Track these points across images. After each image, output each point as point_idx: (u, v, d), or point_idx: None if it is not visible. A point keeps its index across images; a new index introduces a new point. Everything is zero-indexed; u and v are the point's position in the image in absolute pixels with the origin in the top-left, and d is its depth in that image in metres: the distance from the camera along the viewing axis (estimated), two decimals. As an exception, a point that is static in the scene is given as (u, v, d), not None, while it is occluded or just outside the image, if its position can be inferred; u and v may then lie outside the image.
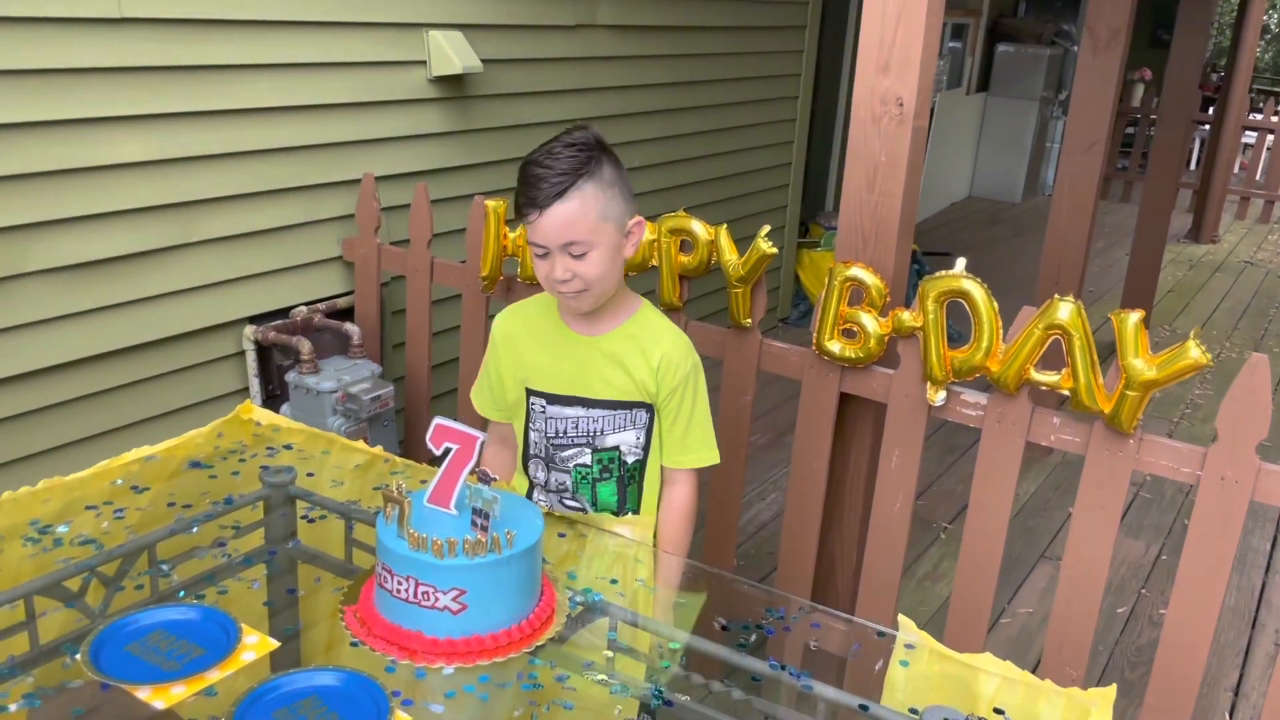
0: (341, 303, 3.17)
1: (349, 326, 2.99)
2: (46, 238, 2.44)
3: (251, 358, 2.93)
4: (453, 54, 3.20)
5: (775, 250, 2.36)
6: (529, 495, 1.91)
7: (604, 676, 1.45)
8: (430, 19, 3.24)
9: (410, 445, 3.21)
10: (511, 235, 2.72)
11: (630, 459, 1.87)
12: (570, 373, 1.83)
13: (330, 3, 2.94)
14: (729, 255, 2.42)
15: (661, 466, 1.89)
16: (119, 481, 1.83)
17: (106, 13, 2.43)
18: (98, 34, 2.44)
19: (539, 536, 1.50)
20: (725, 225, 2.45)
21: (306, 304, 3.09)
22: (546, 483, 1.89)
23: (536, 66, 3.66)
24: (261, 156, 2.87)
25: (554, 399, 1.84)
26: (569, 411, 1.84)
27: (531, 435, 1.88)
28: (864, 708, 1.40)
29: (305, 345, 2.83)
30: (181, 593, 1.55)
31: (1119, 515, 2.13)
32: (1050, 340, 2.10)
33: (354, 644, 1.44)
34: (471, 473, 1.48)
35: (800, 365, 2.46)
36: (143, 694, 1.31)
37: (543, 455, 1.88)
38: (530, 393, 1.86)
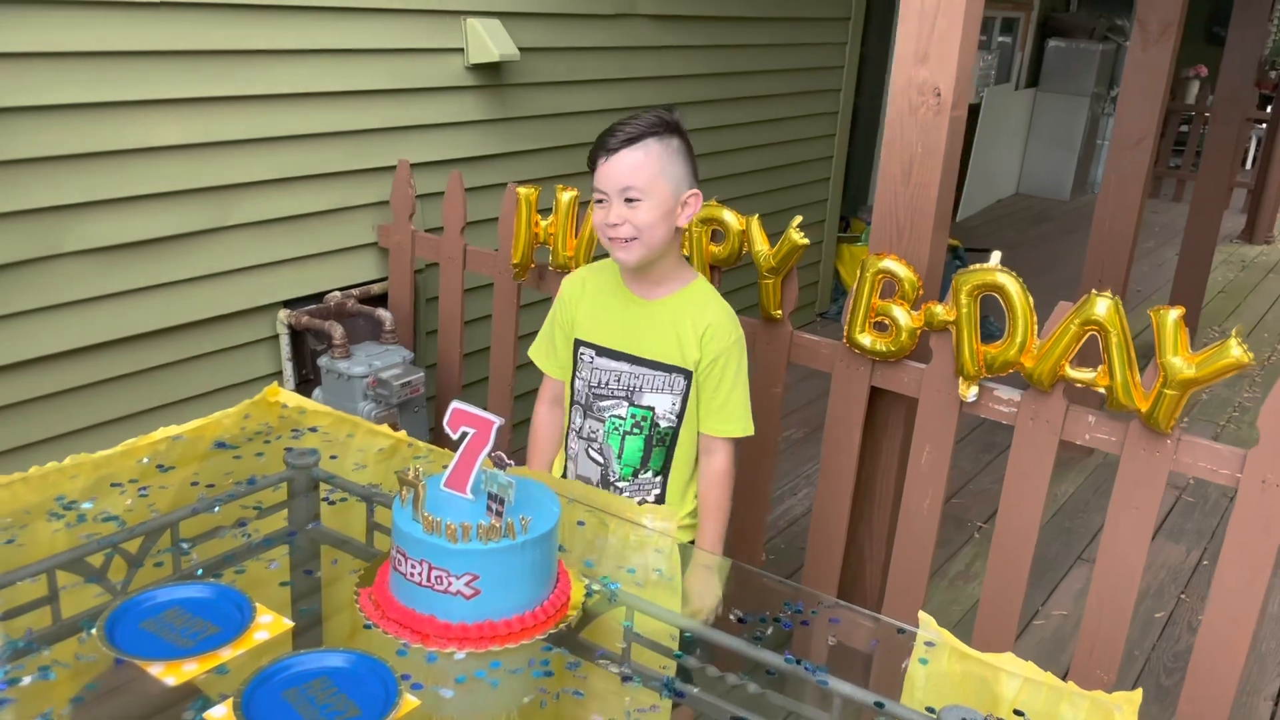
0: (376, 288, 3.18)
1: (381, 312, 3.00)
2: (83, 219, 2.47)
3: (285, 342, 2.95)
4: (490, 41, 3.19)
5: (806, 241, 2.33)
6: (566, 439, 2.04)
7: (617, 666, 1.43)
8: (470, 6, 3.23)
9: (441, 432, 3.21)
10: (543, 223, 2.71)
11: (663, 424, 1.97)
12: (621, 329, 1.97)
13: (368, -11, 2.95)
14: (760, 245, 2.40)
15: (700, 436, 1.98)
16: (145, 460, 1.85)
17: (145, -4, 2.45)
18: (136, 17, 2.46)
19: (554, 523, 1.48)
20: (758, 216, 2.42)
21: (341, 289, 3.10)
22: (581, 429, 2.02)
23: (575, 55, 3.64)
24: (298, 141, 2.89)
25: (602, 351, 1.99)
26: (614, 365, 1.97)
27: (576, 383, 2.02)
28: (880, 705, 1.38)
29: (337, 330, 2.84)
30: (200, 571, 1.56)
31: (1154, 516, 2.08)
32: (1086, 336, 2.05)
33: (367, 626, 1.44)
34: (488, 457, 1.47)
35: (831, 358, 2.43)
36: (155, 670, 1.32)
37: (583, 402, 2.01)
38: (580, 343, 2.01)
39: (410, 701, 1.29)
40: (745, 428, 1.99)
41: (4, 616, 1.45)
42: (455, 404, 1.49)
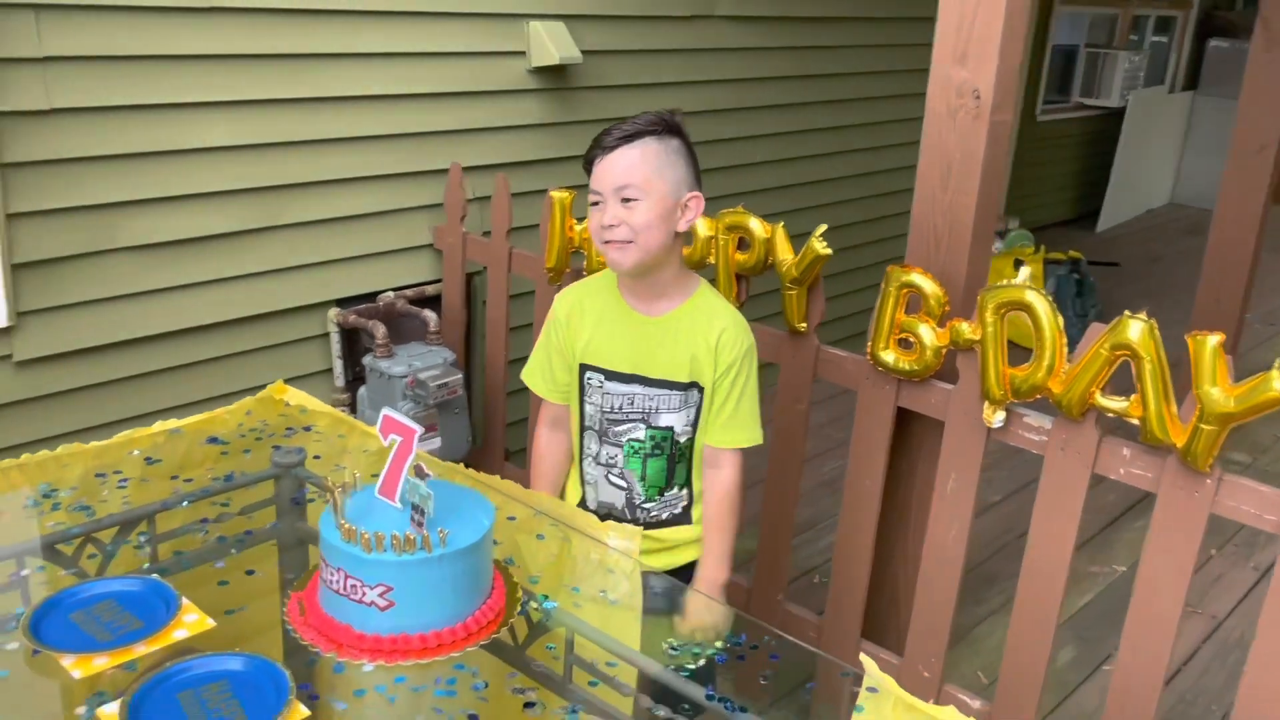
0: (431, 290, 3.21)
1: (427, 313, 3.02)
2: (137, 215, 2.57)
3: (336, 340, 3.01)
4: (551, 44, 3.18)
5: (829, 251, 2.21)
6: (580, 465, 1.95)
7: (526, 690, 1.38)
8: (534, 9, 3.23)
9: (487, 435, 3.22)
10: (578, 228, 2.67)
11: (682, 439, 1.89)
12: (629, 351, 1.87)
13: (428, -8, 2.97)
14: (783, 255, 2.29)
15: (705, 448, 1.90)
16: (135, 452, 1.90)
17: (198, 2, 2.53)
18: (189, 22, 2.55)
19: (479, 538, 1.44)
20: (782, 224, 2.32)
21: (396, 289, 3.14)
22: (598, 455, 1.92)
23: (644, 58, 3.59)
24: (352, 144, 2.94)
25: (612, 375, 1.88)
26: (626, 389, 1.88)
27: (587, 408, 1.92)
28: (794, 754, 1.28)
29: (380, 329, 2.87)
30: (146, 565, 1.58)
31: (1192, 563, 1.88)
32: (1119, 362, 1.88)
33: (287, 631, 1.43)
34: (410, 467, 1.44)
35: (857, 375, 2.31)
36: (66, 662, 1.34)
37: (597, 428, 1.91)
38: (586, 368, 1.90)
39: (299, 710, 1.27)
40: (754, 437, 1.90)
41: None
42: (385, 411, 1.47)
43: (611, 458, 1.90)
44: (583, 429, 1.94)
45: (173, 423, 2.00)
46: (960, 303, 2.18)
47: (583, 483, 1.96)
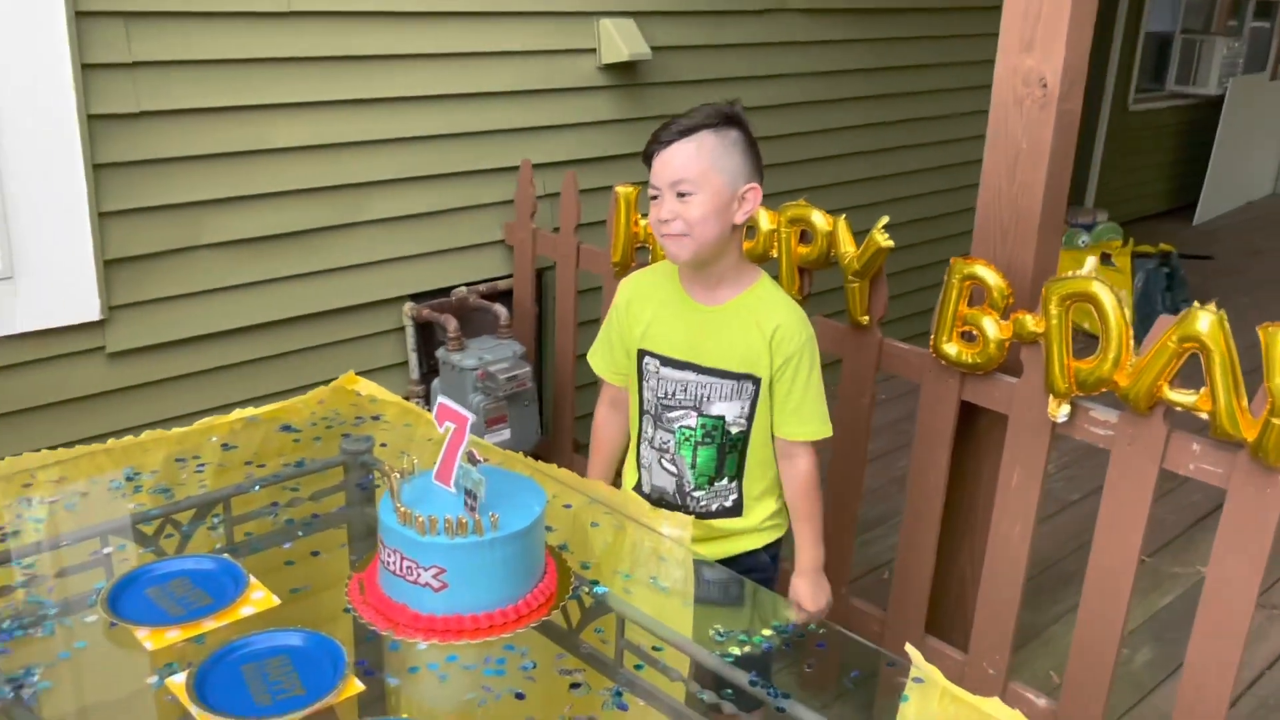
0: (503, 284, 3.27)
1: (498, 307, 3.08)
2: (219, 213, 2.68)
3: (410, 333, 3.08)
4: (620, 41, 3.21)
5: (891, 244, 2.20)
6: (638, 448, 1.99)
7: (574, 671, 1.41)
8: (604, 7, 3.26)
9: (555, 427, 3.27)
10: (643, 222, 2.70)
11: (734, 430, 1.90)
12: (685, 338, 1.89)
13: (499, -8, 3.03)
14: (845, 247, 2.29)
15: (778, 441, 1.92)
16: (214, 439, 1.99)
17: (276, 7, 2.63)
18: (268, 27, 2.64)
19: (530, 523, 1.47)
20: (844, 216, 2.31)
21: (468, 284, 3.21)
22: (653, 439, 1.96)
23: (716, 53, 3.60)
24: (426, 142, 3.01)
25: (667, 361, 1.91)
26: (680, 375, 1.90)
27: (644, 393, 1.96)
28: (834, 740, 1.29)
29: (452, 323, 2.94)
30: (219, 546, 1.66)
31: (1263, 564, 1.83)
32: (1187, 355, 1.83)
33: (346, 610, 1.49)
34: (464, 453, 1.48)
35: (920, 368, 2.29)
36: (141, 634, 1.41)
37: (652, 412, 1.95)
38: (644, 353, 1.94)
39: (354, 685, 1.32)
40: (824, 429, 1.92)
41: (59, 575, 1.60)
42: (440, 399, 1.51)
43: (664, 443, 1.93)
44: (641, 413, 1.98)
45: (249, 411, 2.08)
46: (1028, 295, 2.15)
47: (639, 466, 2.00)
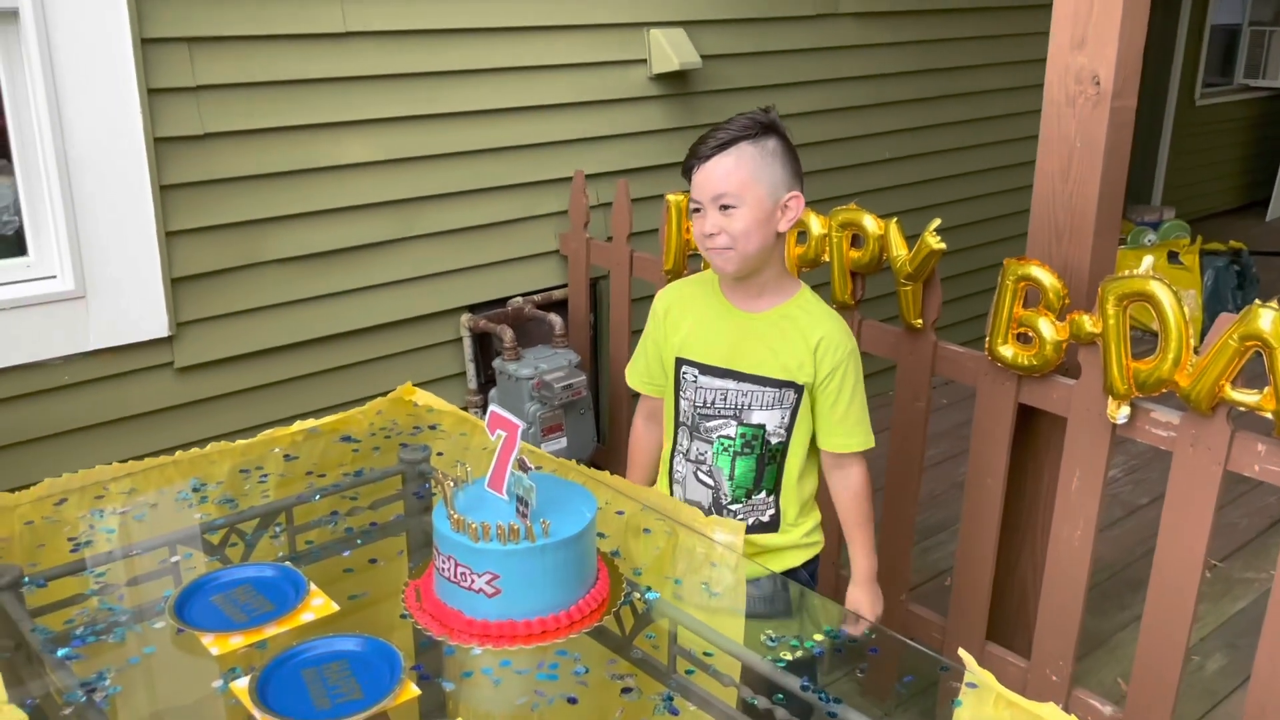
0: (558, 294, 3.30)
1: (553, 317, 3.11)
2: (281, 230, 2.75)
3: (468, 344, 3.13)
4: (671, 51, 3.23)
5: (943, 246, 2.18)
6: (671, 462, 1.98)
7: (625, 676, 1.42)
8: (654, 18, 3.29)
9: (611, 435, 3.29)
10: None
11: (774, 440, 1.89)
12: (725, 346, 1.89)
13: (550, 7, 3.06)
14: (897, 251, 2.28)
15: (824, 455, 1.92)
16: (276, 450, 2.04)
17: (333, 28, 2.69)
18: (326, 47, 2.71)
19: (581, 529, 1.49)
20: (896, 219, 2.30)
21: (523, 295, 3.24)
22: (688, 451, 1.94)
23: (767, 60, 3.61)
24: (481, 156, 3.06)
25: (706, 369, 1.90)
26: (719, 383, 1.89)
27: (681, 404, 1.94)
28: (885, 745, 1.28)
29: (508, 334, 2.98)
30: (281, 554, 1.70)
31: (1334, 566, 1.78)
32: (1249, 354, 1.79)
33: (403, 616, 1.52)
34: (515, 460, 1.50)
35: (976, 371, 2.27)
36: (206, 640, 1.45)
37: (689, 424, 1.93)
38: (682, 362, 1.93)
39: (410, 690, 1.35)
40: (869, 440, 1.91)
41: (130, 583, 1.66)
42: (492, 407, 1.54)
43: (701, 454, 1.91)
44: (676, 425, 1.96)
45: (310, 423, 2.13)
46: (1084, 296, 2.12)
47: (671, 480, 1.98)
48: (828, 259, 2.41)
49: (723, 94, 3.51)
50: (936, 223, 2.20)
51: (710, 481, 1.92)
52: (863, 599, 1.97)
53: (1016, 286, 2.10)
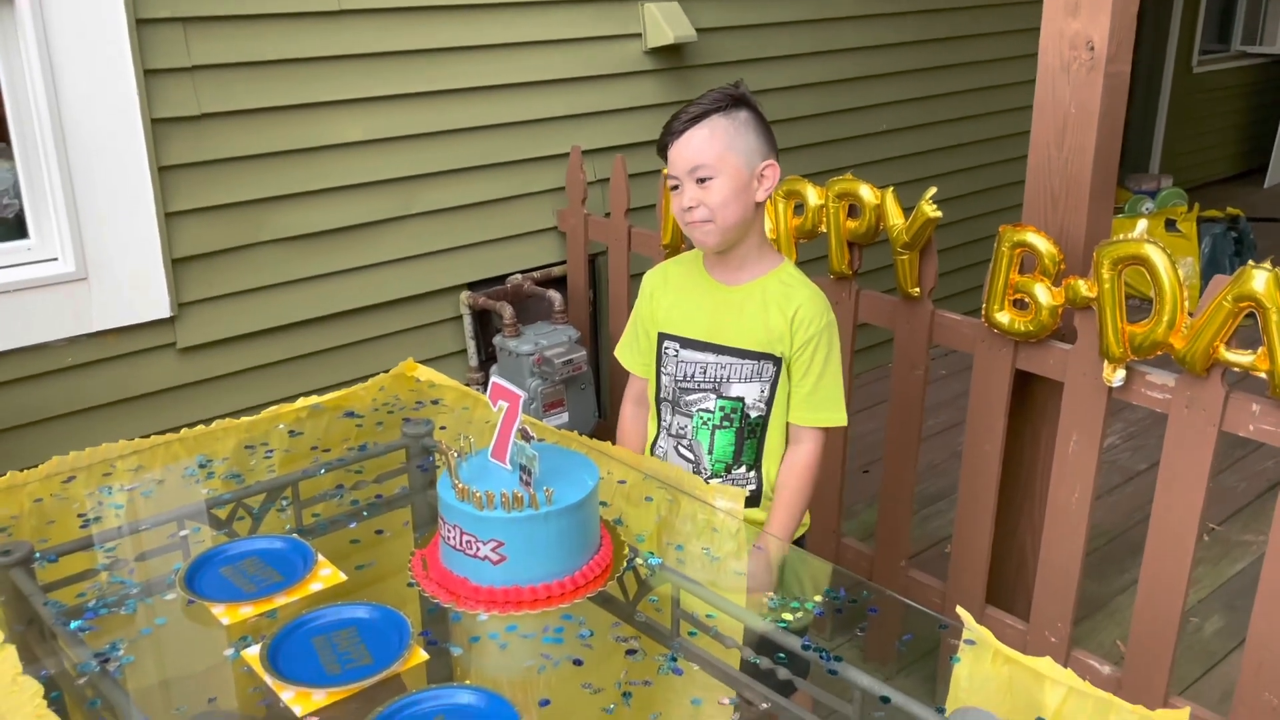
0: (557, 271, 3.32)
1: (552, 293, 3.12)
2: (281, 210, 2.76)
3: (468, 322, 3.14)
4: (665, 25, 3.23)
5: (939, 214, 2.20)
6: (654, 439, 1.99)
7: (629, 639, 1.44)
8: (649, -9, 3.29)
9: (612, 409, 3.31)
10: (692, 203, 2.72)
11: (753, 413, 1.89)
12: (705, 318, 1.90)
13: (544, -18, 3.07)
14: (893, 220, 2.29)
15: (787, 424, 1.90)
16: (281, 426, 2.06)
17: (327, 6, 2.69)
18: (320, 26, 2.71)
19: (584, 496, 1.51)
20: (892, 188, 2.31)
21: (522, 271, 3.26)
22: (670, 426, 1.96)
23: (762, 32, 3.60)
24: (477, 133, 3.06)
25: (686, 343, 1.91)
26: (699, 356, 1.90)
27: (662, 379, 1.96)
28: (885, 700, 1.30)
29: (507, 310, 2.99)
30: (288, 527, 1.73)
31: (1328, 523, 1.80)
32: (1243, 315, 1.81)
33: (410, 584, 1.54)
34: (518, 430, 1.52)
35: (973, 338, 2.28)
36: (217, 610, 1.48)
37: (670, 398, 1.95)
38: (664, 336, 1.94)
39: (419, 654, 1.37)
40: (837, 417, 1.89)
41: (139, 557, 1.68)
42: (494, 379, 1.55)
43: (682, 428, 1.92)
44: (659, 401, 1.97)
45: (314, 399, 2.15)
46: (1080, 262, 2.13)
47: (653, 455, 1.99)
48: (825, 230, 2.42)
49: (718, 67, 3.51)
50: (932, 191, 2.21)
51: (690, 455, 1.93)
52: (758, 570, 1.74)
53: (1012, 253, 2.12)
